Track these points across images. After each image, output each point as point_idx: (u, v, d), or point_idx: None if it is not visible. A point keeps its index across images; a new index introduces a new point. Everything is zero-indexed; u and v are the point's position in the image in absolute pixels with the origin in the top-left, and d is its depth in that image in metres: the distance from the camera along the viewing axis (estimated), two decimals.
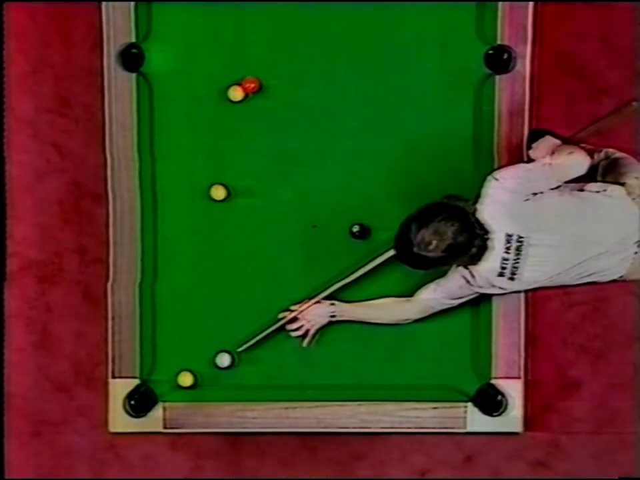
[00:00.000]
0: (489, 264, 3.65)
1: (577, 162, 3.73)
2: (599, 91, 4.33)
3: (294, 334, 3.91)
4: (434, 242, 3.53)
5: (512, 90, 3.90)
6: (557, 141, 3.78)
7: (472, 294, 3.79)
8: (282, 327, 3.94)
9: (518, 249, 3.64)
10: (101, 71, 3.92)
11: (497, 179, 3.66)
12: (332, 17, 3.95)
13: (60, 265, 4.41)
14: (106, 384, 4.01)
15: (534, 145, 3.79)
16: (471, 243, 3.58)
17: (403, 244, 3.60)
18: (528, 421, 4.02)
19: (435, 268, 3.69)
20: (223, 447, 4.38)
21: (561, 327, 4.39)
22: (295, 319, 3.93)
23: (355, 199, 3.98)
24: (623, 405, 4.33)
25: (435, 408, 3.95)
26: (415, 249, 3.55)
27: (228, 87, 3.95)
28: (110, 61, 3.93)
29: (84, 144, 4.34)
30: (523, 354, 3.95)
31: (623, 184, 3.80)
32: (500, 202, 3.63)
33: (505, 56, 3.88)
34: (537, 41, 3.90)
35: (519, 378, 3.95)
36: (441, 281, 3.78)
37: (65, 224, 4.41)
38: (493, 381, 3.93)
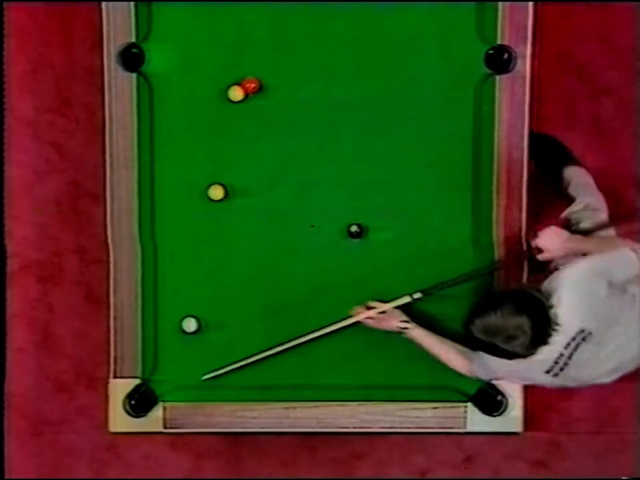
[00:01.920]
0: (542, 358, 3.52)
1: None
2: (599, 90, 4.33)
3: (363, 320, 3.85)
4: (517, 336, 3.39)
5: (512, 90, 3.90)
6: (565, 232, 3.68)
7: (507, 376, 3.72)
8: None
9: (577, 346, 3.51)
10: (101, 71, 3.91)
11: (578, 271, 3.54)
12: (332, 17, 3.94)
13: (60, 265, 4.42)
14: (107, 384, 4.00)
15: (540, 233, 3.68)
16: (541, 340, 3.46)
17: (478, 317, 3.45)
18: (528, 421, 4.00)
19: (482, 350, 3.55)
20: (222, 446, 4.38)
21: None
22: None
23: (354, 198, 3.97)
24: (623, 405, 4.33)
25: (435, 408, 3.94)
26: (483, 332, 3.42)
27: (228, 87, 3.94)
28: (110, 60, 3.92)
29: (84, 144, 4.34)
30: None
31: None
32: (581, 294, 3.51)
33: (505, 56, 3.88)
34: (536, 41, 3.89)
35: None
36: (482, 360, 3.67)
37: (64, 224, 4.42)
38: (493, 381, 3.93)
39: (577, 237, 3.66)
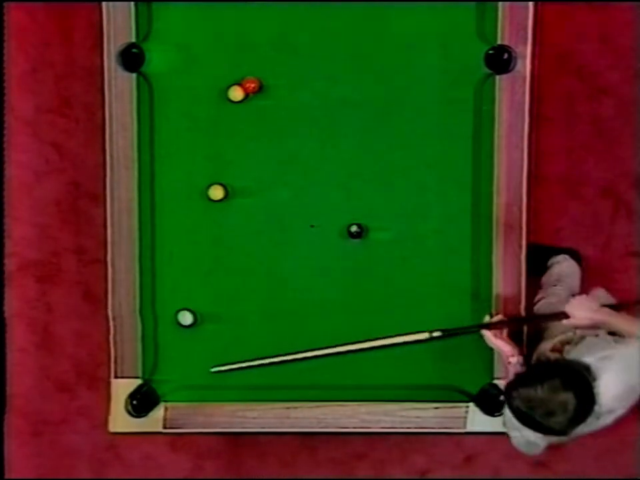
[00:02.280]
0: None
1: None
2: (599, 90, 4.33)
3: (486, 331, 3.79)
4: (557, 413, 3.29)
5: (512, 90, 3.90)
6: (595, 304, 3.61)
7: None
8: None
9: (598, 418, 3.46)
10: (101, 71, 3.91)
11: (631, 357, 3.46)
12: (332, 17, 3.94)
13: (58, 265, 4.42)
14: (108, 384, 4.00)
15: (572, 300, 3.62)
16: (579, 420, 3.37)
17: (522, 386, 3.36)
18: None
19: (517, 418, 3.43)
20: (222, 446, 4.39)
21: None
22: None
23: (354, 198, 3.97)
24: None
25: (436, 408, 3.94)
26: (525, 403, 3.32)
27: (228, 87, 3.94)
28: (110, 60, 3.92)
29: (84, 144, 4.35)
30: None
31: None
32: (628, 380, 3.45)
33: (505, 56, 3.88)
34: (537, 41, 3.89)
35: None
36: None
37: (63, 224, 4.42)
38: (495, 381, 3.93)
39: (606, 309, 3.60)
